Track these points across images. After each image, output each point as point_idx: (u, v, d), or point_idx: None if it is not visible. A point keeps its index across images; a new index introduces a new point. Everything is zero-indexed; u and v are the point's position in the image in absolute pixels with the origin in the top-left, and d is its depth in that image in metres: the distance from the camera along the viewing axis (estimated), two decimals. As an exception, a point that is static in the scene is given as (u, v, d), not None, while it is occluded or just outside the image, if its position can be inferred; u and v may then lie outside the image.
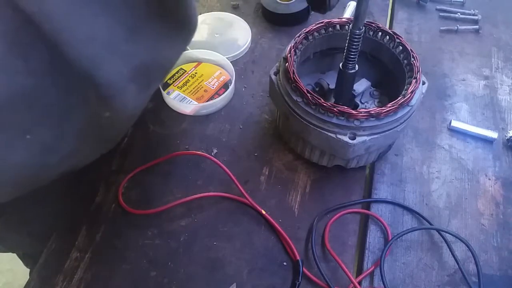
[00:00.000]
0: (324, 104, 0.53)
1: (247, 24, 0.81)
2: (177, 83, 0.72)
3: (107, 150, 0.50)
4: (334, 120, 0.54)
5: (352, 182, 0.63)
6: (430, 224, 0.59)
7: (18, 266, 0.91)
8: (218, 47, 0.78)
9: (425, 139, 0.68)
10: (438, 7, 0.88)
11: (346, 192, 0.62)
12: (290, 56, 0.58)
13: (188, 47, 0.77)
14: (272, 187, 0.62)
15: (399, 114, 0.54)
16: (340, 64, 0.56)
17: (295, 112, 0.56)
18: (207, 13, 0.84)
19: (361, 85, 0.62)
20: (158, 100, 0.71)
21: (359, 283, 0.54)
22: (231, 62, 0.74)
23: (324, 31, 0.62)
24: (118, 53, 0.37)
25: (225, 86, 0.72)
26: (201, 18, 0.83)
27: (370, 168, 0.66)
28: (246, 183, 0.62)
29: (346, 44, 0.53)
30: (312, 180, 0.63)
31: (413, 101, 0.55)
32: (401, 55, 0.60)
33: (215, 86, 0.72)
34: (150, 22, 0.38)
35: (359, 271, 0.56)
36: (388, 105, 0.53)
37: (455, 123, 0.69)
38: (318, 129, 0.55)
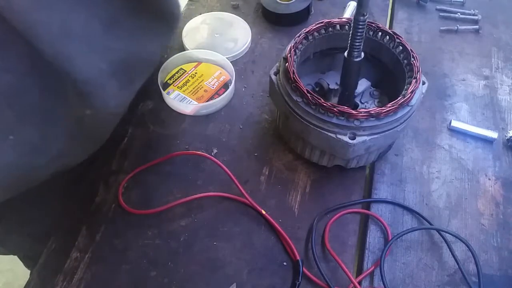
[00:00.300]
0: (324, 104, 0.53)
1: (247, 24, 0.81)
2: (177, 83, 0.72)
3: (95, 149, 0.48)
4: (334, 120, 0.54)
5: (352, 182, 0.63)
6: (430, 224, 0.59)
7: (18, 266, 0.91)
8: (218, 47, 0.78)
9: (425, 139, 0.68)
10: (438, 7, 0.88)
11: (346, 192, 0.62)
12: (290, 56, 0.58)
13: (188, 47, 0.78)
14: (272, 187, 0.62)
15: (399, 114, 0.54)
16: (345, 53, 0.55)
17: (295, 112, 0.56)
18: (207, 13, 0.84)
19: (361, 85, 0.62)
20: (158, 100, 0.71)
21: (359, 283, 0.54)
22: (231, 62, 0.74)
23: (324, 31, 0.62)
24: (95, 48, 0.36)
25: (225, 86, 0.72)
26: (201, 18, 0.83)
27: (370, 168, 0.66)
28: (246, 183, 0.62)
29: (351, 32, 0.53)
30: (312, 180, 0.63)
31: (413, 101, 0.55)
32: (401, 55, 0.60)
33: (215, 86, 0.72)
34: (128, 15, 0.37)
35: (359, 271, 0.56)
36: (388, 105, 0.53)
37: (455, 123, 0.69)
38: (318, 129, 0.55)
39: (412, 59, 0.58)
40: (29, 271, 0.58)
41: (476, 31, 0.84)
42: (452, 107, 0.73)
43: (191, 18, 0.83)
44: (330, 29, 0.62)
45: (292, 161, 0.65)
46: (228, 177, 0.60)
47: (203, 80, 0.73)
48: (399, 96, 0.55)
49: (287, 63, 0.57)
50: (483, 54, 0.81)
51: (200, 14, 0.84)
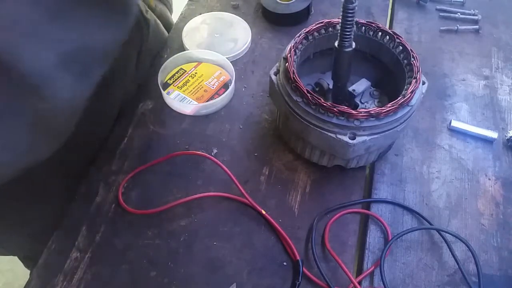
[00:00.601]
0: (324, 104, 0.53)
1: (247, 24, 0.81)
2: (177, 83, 0.72)
3: (60, 145, 0.47)
4: (334, 120, 0.54)
5: (352, 182, 0.63)
6: (430, 224, 0.59)
7: (18, 266, 0.91)
8: (218, 47, 0.78)
9: (425, 139, 0.68)
10: (438, 7, 0.88)
11: (346, 192, 0.62)
12: (290, 56, 0.58)
13: (188, 47, 0.78)
14: (272, 187, 0.62)
15: (399, 114, 0.54)
16: (335, 43, 0.54)
17: (295, 112, 0.56)
18: (207, 13, 0.84)
19: (361, 85, 0.62)
20: (158, 100, 0.71)
21: (359, 283, 0.54)
22: (231, 62, 0.74)
23: (324, 31, 0.62)
24: (41, 39, 0.34)
25: (225, 86, 0.72)
26: (201, 18, 0.83)
27: (370, 168, 0.66)
28: (246, 183, 0.62)
29: (340, 21, 0.52)
30: (312, 180, 0.63)
31: (413, 101, 0.55)
32: (401, 55, 0.60)
33: (215, 86, 0.72)
34: (77, 5, 0.36)
35: (359, 271, 0.56)
36: (388, 105, 0.53)
37: (455, 123, 0.69)
38: (318, 129, 0.55)
39: (412, 59, 0.58)
40: (29, 271, 0.58)
41: (476, 31, 0.84)
42: (452, 107, 0.73)
43: (191, 18, 0.83)
44: (330, 29, 0.62)
45: (292, 161, 0.65)
46: (228, 177, 0.61)
47: (203, 80, 0.73)
48: (399, 96, 0.55)
49: (287, 63, 0.57)
50: (483, 54, 0.81)
51: (200, 14, 0.84)
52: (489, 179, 0.64)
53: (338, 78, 0.59)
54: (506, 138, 0.68)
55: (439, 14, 0.87)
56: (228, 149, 0.66)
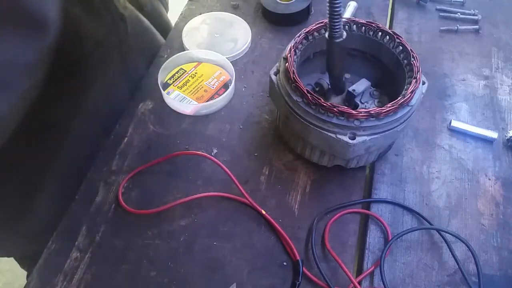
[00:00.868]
0: (324, 104, 0.53)
1: (247, 24, 0.81)
2: (177, 83, 0.72)
3: None
4: (334, 120, 0.54)
5: (352, 182, 0.63)
6: (430, 224, 0.59)
7: (18, 266, 0.91)
8: (218, 47, 0.78)
9: (425, 139, 0.68)
10: (438, 7, 0.88)
11: (346, 192, 0.62)
12: (290, 56, 0.58)
13: (188, 47, 0.78)
14: (272, 187, 0.62)
15: (399, 114, 0.54)
16: (326, 34, 0.54)
17: (295, 112, 0.56)
18: (207, 13, 0.84)
19: (361, 85, 0.62)
20: (158, 100, 0.71)
21: (359, 283, 0.54)
22: (231, 62, 0.74)
23: (324, 31, 0.62)
24: None
25: (225, 86, 0.72)
26: (201, 18, 0.83)
27: (370, 168, 0.66)
28: (246, 183, 0.62)
29: (328, 12, 0.51)
30: (312, 180, 0.63)
31: (413, 101, 0.55)
32: (401, 55, 0.60)
33: (215, 86, 0.72)
34: None
35: (359, 271, 0.56)
36: (388, 105, 0.53)
37: (455, 123, 0.69)
38: (318, 129, 0.55)
39: (412, 59, 0.58)
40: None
41: (476, 31, 0.84)
42: (452, 107, 0.73)
43: (191, 18, 0.83)
44: (330, 29, 0.62)
45: (292, 161, 0.65)
46: (228, 177, 0.61)
47: (203, 80, 0.73)
48: (399, 96, 0.55)
49: (287, 63, 0.57)
50: (483, 54, 0.81)
51: (200, 14, 0.84)
52: (489, 179, 0.64)
53: (332, 69, 0.58)
54: (506, 138, 0.68)
55: (439, 14, 0.87)
56: (228, 149, 0.66)
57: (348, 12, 0.84)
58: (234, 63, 0.75)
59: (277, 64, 0.61)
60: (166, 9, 0.93)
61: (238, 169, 0.63)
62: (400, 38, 0.60)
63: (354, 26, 0.62)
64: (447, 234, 0.58)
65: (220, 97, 0.70)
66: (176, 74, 0.74)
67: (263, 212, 0.59)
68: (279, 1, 0.82)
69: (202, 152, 0.64)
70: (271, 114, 0.70)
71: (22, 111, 0.44)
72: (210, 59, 0.76)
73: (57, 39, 0.42)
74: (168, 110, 0.71)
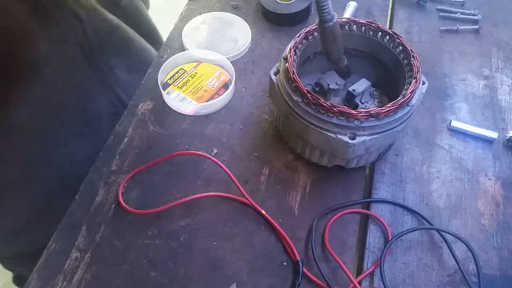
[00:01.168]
0: (324, 104, 0.53)
1: (247, 24, 0.81)
2: (177, 83, 0.72)
3: None
4: (334, 120, 0.54)
5: (352, 182, 0.63)
6: (430, 224, 0.59)
7: (18, 266, 0.91)
8: (218, 47, 0.78)
9: (425, 139, 0.68)
10: (438, 7, 0.88)
11: (346, 192, 0.62)
12: (290, 56, 0.58)
13: (188, 47, 0.78)
14: (272, 187, 0.62)
15: (399, 114, 0.54)
16: (317, 21, 0.54)
17: (295, 112, 0.56)
18: (207, 13, 0.84)
19: (361, 85, 0.62)
20: (158, 100, 0.71)
21: (359, 283, 0.54)
22: (231, 62, 0.74)
23: (324, 31, 0.62)
24: None
25: (225, 86, 0.72)
26: (201, 18, 0.83)
27: (370, 168, 0.66)
28: (246, 183, 0.62)
29: None
30: (312, 180, 0.63)
31: (413, 101, 0.55)
32: (401, 55, 0.60)
33: (215, 86, 0.72)
34: None
35: (359, 271, 0.56)
36: (388, 105, 0.53)
37: (455, 123, 0.69)
38: (318, 129, 0.55)
39: (412, 59, 0.58)
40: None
41: (476, 31, 0.84)
42: (452, 107, 0.73)
43: (191, 18, 0.83)
44: (330, 29, 0.62)
45: (292, 161, 0.65)
46: (228, 177, 0.60)
47: (203, 80, 0.73)
48: (399, 96, 0.55)
49: (287, 63, 0.57)
50: (483, 54, 0.81)
51: (200, 14, 0.84)
52: (489, 179, 0.64)
53: (328, 53, 0.58)
54: (506, 138, 0.68)
55: (439, 14, 0.87)
56: (228, 149, 0.66)
57: (348, 12, 0.84)
58: (234, 63, 0.75)
59: (277, 64, 0.61)
60: (147, 5, 0.90)
61: (238, 169, 0.63)
62: (400, 38, 0.60)
63: (354, 26, 0.62)
64: (447, 234, 0.58)
65: (220, 97, 0.70)
66: (176, 74, 0.74)
67: (263, 212, 0.59)
68: (279, 1, 0.82)
69: (202, 152, 0.64)
70: (271, 114, 0.70)
71: None
72: (210, 59, 0.76)
73: None
74: (168, 110, 0.71)
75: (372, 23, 0.62)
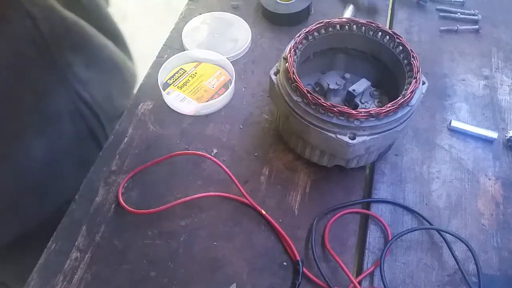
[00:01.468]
0: (324, 104, 0.53)
1: (247, 24, 0.81)
2: (177, 83, 0.72)
3: None
4: (334, 120, 0.54)
5: (352, 182, 0.63)
6: (430, 224, 0.59)
7: (18, 266, 0.91)
8: (218, 47, 0.78)
9: (425, 139, 0.68)
10: (438, 7, 0.88)
11: (346, 192, 0.62)
12: (290, 56, 0.58)
13: (188, 47, 0.78)
14: (272, 187, 0.62)
15: (399, 114, 0.54)
16: None
17: (295, 112, 0.56)
18: (207, 13, 0.84)
19: (361, 85, 0.62)
20: (158, 100, 0.71)
21: (359, 283, 0.54)
22: (231, 62, 0.74)
23: (324, 31, 0.62)
24: None
25: (225, 86, 0.72)
26: (201, 18, 0.83)
27: (370, 168, 0.66)
28: (246, 183, 0.62)
29: None
30: (312, 180, 0.63)
31: (413, 101, 0.55)
32: (401, 55, 0.60)
33: (215, 86, 0.72)
34: None
35: (359, 271, 0.56)
36: (388, 105, 0.53)
37: (455, 123, 0.69)
38: (318, 129, 0.55)
39: (412, 59, 0.58)
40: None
41: (476, 31, 0.84)
42: (452, 107, 0.73)
43: (191, 18, 0.83)
44: (330, 29, 0.62)
45: (292, 161, 0.65)
46: (228, 177, 0.60)
47: (203, 80, 0.73)
48: (399, 96, 0.55)
49: (287, 63, 0.57)
50: (483, 54, 0.81)
51: (200, 14, 0.84)
52: (489, 179, 0.64)
53: None
54: (506, 138, 0.68)
55: (439, 14, 0.87)
56: (228, 149, 0.66)
57: (348, 12, 0.84)
58: (234, 63, 0.75)
59: (277, 64, 0.61)
60: (107, 2, 0.88)
61: (238, 169, 0.63)
62: (400, 38, 0.60)
63: (354, 26, 0.62)
64: (447, 234, 0.58)
65: (220, 97, 0.70)
66: (176, 74, 0.74)
67: (263, 212, 0.59)
68: (279, 1, 0.82)
69: (202, 152, 0.64)
70: (271, 114, 0.70)
71: None
72: (210, 59, 0.76)
73: None
74: (168, 110, 0.71)
75: (372, 23, 0.62)
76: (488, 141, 0.68)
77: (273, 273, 0.55)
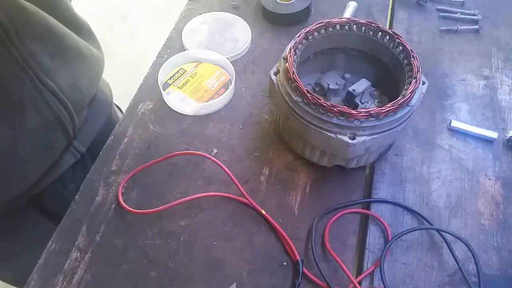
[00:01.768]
0: (324, 104, 0.53)
1: (247, 24, 0.81)
2: (177, 83, 0.72)
3: None
4: (334, 120, 0.54)
5: (352, 182, 0.63)
6: (430, 224, 0.59)
7: (18, 266, 0.91)
8: (218, 47, 0.78)
9: (425, 139, 0.68)
10: (438, 7, 0.88)
11: (346, 192, 0.62)
12: (290, 56, 0.58)
13: (188, 47, 0.78)
14: (272, 187, 0.62)
15: (399, 114, 0.54)
16: None
17: (295, 112, 0.56)
18: (207, 13, 0.84)
19: (361, 85, 0.62)
20: (158, 100, 0.71)
21: (359, 283, 0.54)
22: (231, 62, 0.74)
23: (324, 31, 0.62)
24: None
25: (225, 86, 0.72)
26: (201, 18, 0.83)
27: (370, 168, 0.66)
28: (246, 183, 0.62)
29: None
30: (312, 180, 0.63)
31: (413, 101, 0.55)
32: (401, 55, 0.60)
33: (215, 86, 0.72)
34: None
35: (359, 271, 0.56)
36: (388, 105, 0.53)
37: (455, 123, 0.69)
38: (318, 129, 0.55)
39: (412, 59, 0.58)
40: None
41: (476, 31, 0.84)
42: (452, 107, 0.73)
43: (191, 18, 0.83)
44: (330, 29, 0.62)
45: (292, 161, 0.65)
46: (228, 177, 0.61)
47: (203, 80, 0.73)
48: (399, 96, 0.55)
49: (287, 63, 0.57)
50: (483, 54, 0.81)
51: (200, 14, 0.84)
52: (489, 179, 0.64)
53: None
54: (506, 138, 0.68)
55: (439, 14, 0.87)
56: (228, 149, 0.66)
57: (348, 12, 0.84)
58: (234, 63, 0.75)
59: (277, 64, 0.61)
60: None
61: (238, 169, 0.63)
62: (400, 38, 0.60)
63: (354, 26, 0.62)
64: (447, 234, 0.58)
65: (220, 97, 0.70)
66: (176, 74, 0.74)
67: (263, 212, 0.59)
68: (279, 1, 0.82)
69: (202, 152, 0.64)
70: (271, 114, 0.70)
71: None
72: (210, 59, 0.76)
73: None
74: (168, 110, 0.71)
75: (372, 23, 0.62)
76: (488, 141, 0.68)
77: (273, 273, 0.55)
